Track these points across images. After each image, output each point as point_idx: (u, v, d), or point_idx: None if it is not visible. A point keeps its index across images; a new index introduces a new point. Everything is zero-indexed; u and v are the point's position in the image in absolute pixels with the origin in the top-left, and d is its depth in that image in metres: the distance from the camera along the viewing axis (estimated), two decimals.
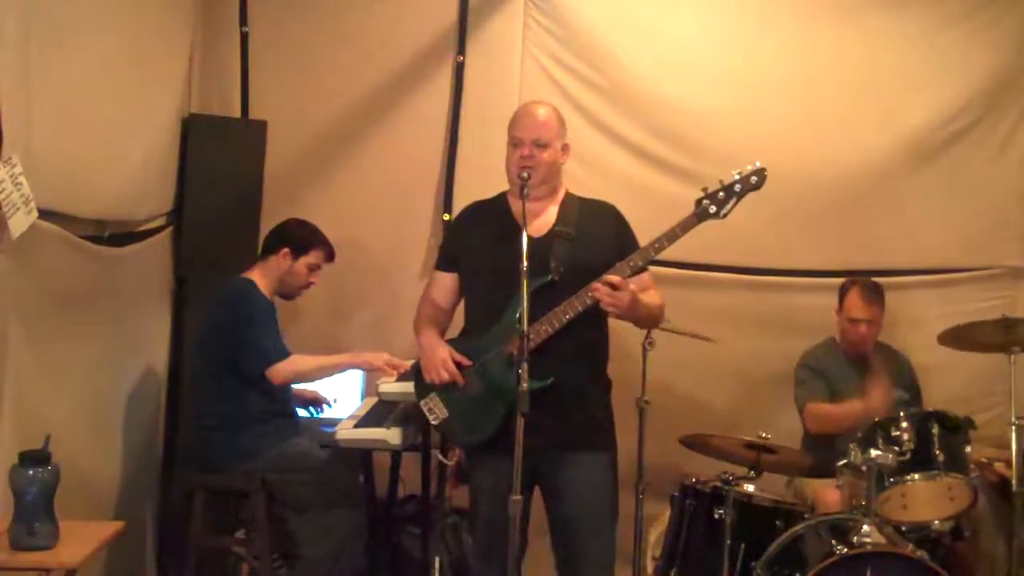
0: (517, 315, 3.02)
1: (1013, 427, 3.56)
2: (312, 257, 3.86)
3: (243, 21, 4.41)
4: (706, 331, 3.99)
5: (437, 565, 3.75)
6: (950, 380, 4.26)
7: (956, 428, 3.52)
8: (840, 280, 4.21)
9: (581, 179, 3.79)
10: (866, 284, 4.11)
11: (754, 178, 3.04)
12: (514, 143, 3.19)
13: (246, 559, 3.94)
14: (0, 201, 2.65)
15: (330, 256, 3.94)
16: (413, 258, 4.51)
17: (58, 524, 2.66)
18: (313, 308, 4.40)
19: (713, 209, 3.04)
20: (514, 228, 3.08)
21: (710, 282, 4.19)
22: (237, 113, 4.43)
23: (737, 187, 3.03)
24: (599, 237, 3.19)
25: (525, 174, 3.02)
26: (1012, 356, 3.65)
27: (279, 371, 3.63)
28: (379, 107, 4.48)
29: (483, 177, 4.38)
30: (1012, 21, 4.31)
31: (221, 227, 4.17)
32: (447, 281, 3.33)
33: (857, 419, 3.87)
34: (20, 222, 2.75)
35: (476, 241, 3.24)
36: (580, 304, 3.02)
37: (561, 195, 3.26)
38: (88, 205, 3.36)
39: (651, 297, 3.20)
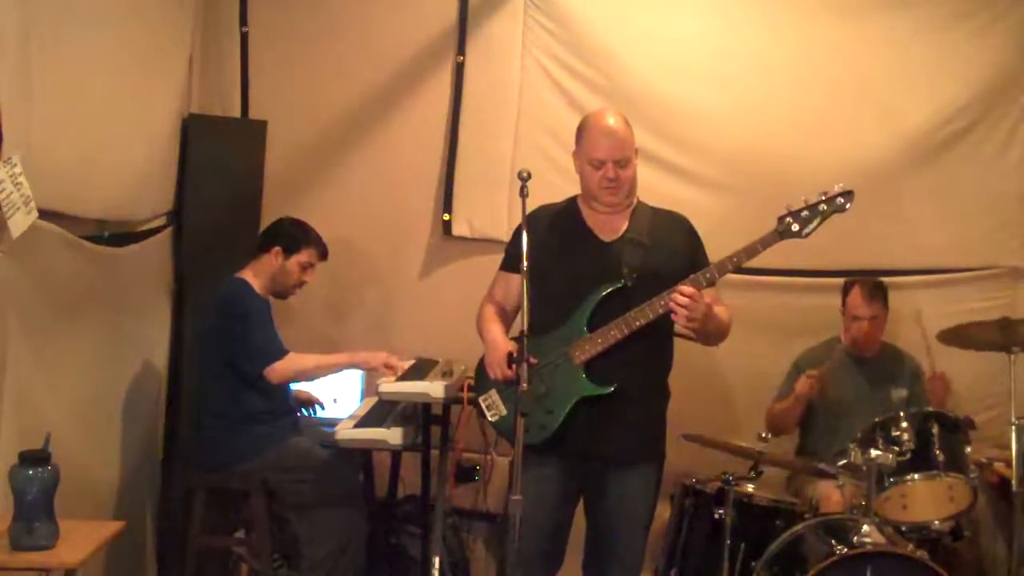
0: (585, 320, 3.04)
1: (1013, 427, 3.55)
2: (304, 256, 3.84)
3: (243, 21, 4.41)
4: None
5: (437, 565, 3.75)
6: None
7: (956, 428, 3.53)
8: (840, 280, 4.21)
9: None
10: (868, 282, 4.11)
11: (840, 199, 2.97)
12: (595, 165, 3.08)
13: (246, 559, 3.93)
14: (0, 201, 2.65)
15: (323, 255, 3.91)
16: (412, 258, 4.52)
17: (58, 524, 2.65)
18: (311, 308, 4.40)
19: (796, 227, 2.97)
20: (585, 235, 3.11)
21: None
22: (237, 113, 4.44)
23: (822, 207, 2.97)
24: (671, 245, 3.13)
25: (526, 173, 2.97)
26: (1012, 356, 3.65)
27: (277, 370, 3.63)
28: (379, 107, 4.48)
29: (483, 177, 4.43)
30: (1012, 21, 4.30)
31: (221, 227, 4.17)
32: (513, 281, 3.22)
33: (792, 406, 4.00)
34: (20, 222, 2.75)
35: (545, 244, 3.10)
36: (652, 312, 2.96)
37: (633, 203, 3.21)
38: (88, 205, 3.36)
39: (721, 313, 3.13)
